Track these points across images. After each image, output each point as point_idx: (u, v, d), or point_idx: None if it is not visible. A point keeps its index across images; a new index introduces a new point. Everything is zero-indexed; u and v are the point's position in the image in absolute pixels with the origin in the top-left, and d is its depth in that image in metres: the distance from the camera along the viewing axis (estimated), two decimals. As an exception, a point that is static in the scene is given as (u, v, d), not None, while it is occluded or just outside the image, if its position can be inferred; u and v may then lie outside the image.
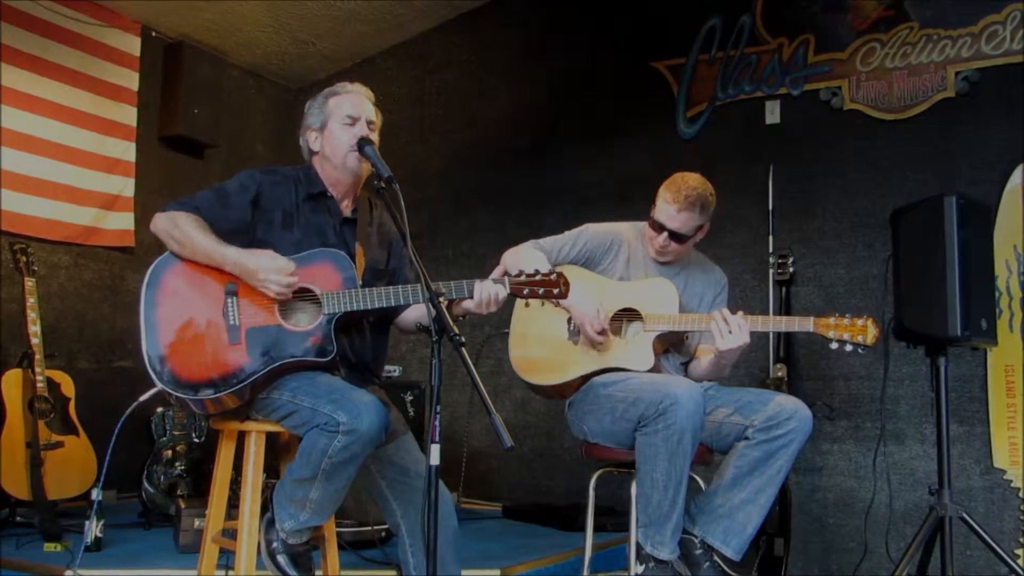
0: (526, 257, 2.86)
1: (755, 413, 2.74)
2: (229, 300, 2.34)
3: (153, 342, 2.30)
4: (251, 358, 2.30)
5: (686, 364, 3.07)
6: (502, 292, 2.37)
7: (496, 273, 2.45)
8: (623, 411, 2.73)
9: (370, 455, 2.30)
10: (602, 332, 2.87)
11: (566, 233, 3.08)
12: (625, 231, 3.10)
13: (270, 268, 2.31)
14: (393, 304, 2.36)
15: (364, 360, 2.55)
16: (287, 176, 2.54)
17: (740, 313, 2.77)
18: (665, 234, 2.93)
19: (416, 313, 2.57)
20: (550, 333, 2.99)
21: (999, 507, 3.90)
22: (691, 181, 2.92)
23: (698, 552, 2.72)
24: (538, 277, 2.40)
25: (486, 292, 2.35)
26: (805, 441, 2.71)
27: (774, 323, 2.90)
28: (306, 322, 2.37)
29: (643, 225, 3.08)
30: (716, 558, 2.73)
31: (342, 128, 2.50)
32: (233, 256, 2.33)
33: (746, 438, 2.74)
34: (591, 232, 3.07)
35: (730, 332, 2.74)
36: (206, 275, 2.36)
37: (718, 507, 2.73)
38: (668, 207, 2.90)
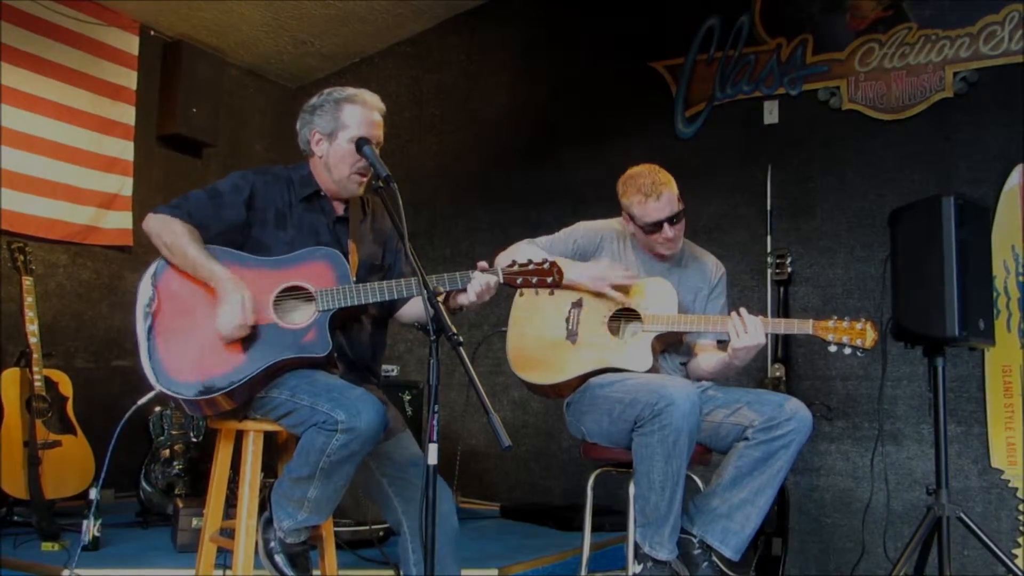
0: (520, 253, 2.87)
1: (755, 414, 2.74)
2: (224, 301, 2.34)
3: (151, 345, 2.30)
4: (247, 358, 2.30)
5: (685, 363, 3.07)
6: (493, 279, 2.37)
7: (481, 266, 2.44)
8: (620, 412, 2.73)
9: (369, 453, 2.30)
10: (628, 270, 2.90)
11: (559, 232, 3.09)
12: (615, 227, 3.10)
13: (233, 312, 2.27)
14: (387, 298, 2.37)
15: (363, 358, 2.56)
16: (279, 176, 2.54)
17: (743, 310, 2.77)
18: (665, 225, 2.91)
19: (417, 309, 2.57)
20: (548, 332, 2.99)
21: (996, 507, 3.90)
22: (640, 170, 2.94)
23: (696, 552, 2.72)
24: (531, 266, 2.40)
25: (480, 283, 2.35)
26: (805, 442, 2.71)
27: (773, 325, 2.90)
28: (301, 319, 2.37)
29: None
30: (714, 558, 2.73)
31: (350, 148, 2.45)
32: (219, 277, 2.30)
33: (746, 438, 2.73)
34: (582, 230, 3.07)
35: (746, 332, 2.74)
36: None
37: (717, 507, 2.73)
38: (648, 203, 2.88)
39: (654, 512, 2.64)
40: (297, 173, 2.56)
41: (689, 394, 2.60)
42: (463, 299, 2.39)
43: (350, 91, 2.52)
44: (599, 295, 2.95)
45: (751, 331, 2.73)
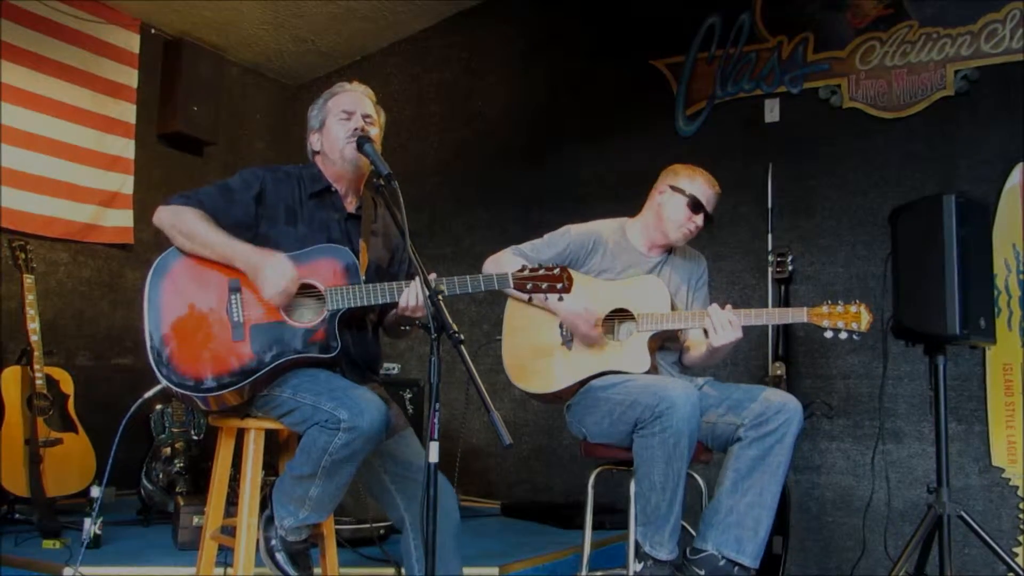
0: (508, 264, 2.85)
1: (745, 411, 2.73)
2: (233, 297, 2.34)
3: (157, 339, 2.30)
4: (255, 355, 2.30)
5: (678, 361, 3.07)
6: (414, 300, 2.34)
7: None
8: (620, 414, 2.72)
9: (372, 450, 2.30)
10: (596, 328, 2.88)
11: (546, 236, 3.07)
12: (604, 229, 3.10)
13: (276, 275, 2.30)
14: (397, 299, 2.37)
15: (365, 357, 2.56)
16: (289, 174, 2.56)
17: (729, 307, 2.77)
18: (702, 215, 2.97)
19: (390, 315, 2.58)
20: (543, 339, 2.98)
21: (997, 505, 3.90)
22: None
23: (722, 563, 2.66)
24: (541, 272, 2.39)
25: (413, 297, 2.34)
26: (798, 433, 2.70)
27: (768, 315, 2.89)
28: (309, 318, 2.37)
29: (623, 220, 3.12)
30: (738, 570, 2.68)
31: (338, 123, 2.53)
32: (244, 252, 2.33)
33: (739, 439, 2.73)
34: (573, 233, 3.06)
35: (722, 328, 2.74)
36: (209, 271, 2.37)
37: (725, 516, 2.68)
38: (709, 190, 2.98)
39: (655, 512, 2.64)
40: (308, 171, 2.59)
41: (690, 396, 2.59)
42: (402, 299, 2.37)
43: (335, 86, 2.63)
44: (593, 295, 2.94)
45: (727, 327, 2.74)
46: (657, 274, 3.04)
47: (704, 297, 3.12)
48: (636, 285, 2.96)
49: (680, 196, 2.98)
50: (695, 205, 2.96)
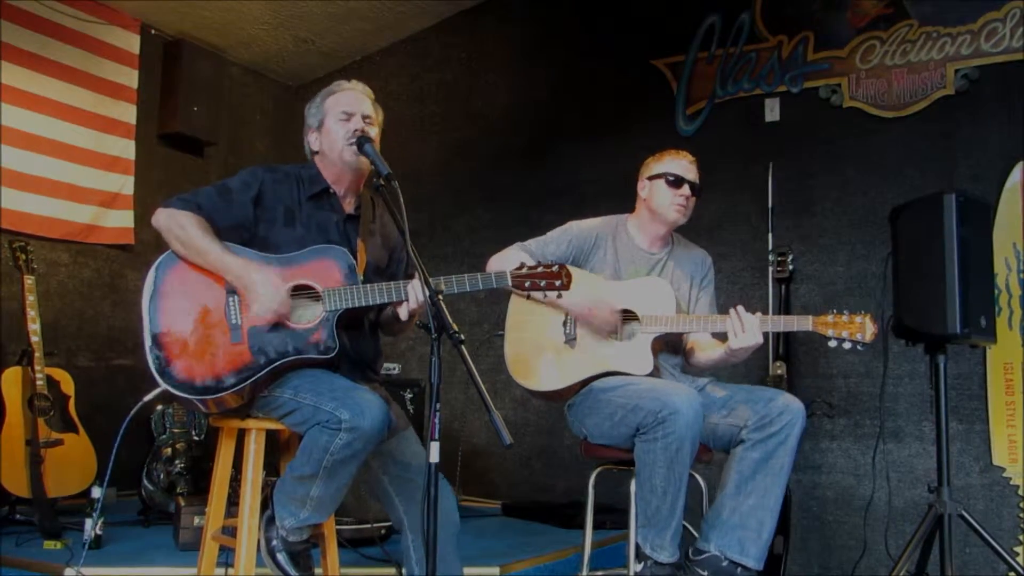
0: (512, 259, 2.83)
1: (747, 413, 2.73)
2: (231, 299, 2.35)
3: (156, 342, 2.30)
4: (254, 357, 2.30)
5: (680, 364, 3.06)
6: (414, 306, 2.35)
7: None
8: (622, 417, 2.71)
9: (372, 451, 2.30)
10: (615, 313, 2.88)
11: (550, 233, 3.07)
12: (604, 226, 3.10)
13: (266, 296, 2.30)
14: (395, 299, 2.37)
15: (364, 357, 2.56)
16: (289, 174, 2.55)
17: (740, 308, 2.76)
18: (686, 186, 2.98)
19: (386, 314, 2.59)
20: (547, 337, 2.97)
21: (998, 505, 3.90)
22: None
23: (725, 564, 2.66)
24: (539, 269, 2.39)
25: (414, 295, 2.34)
26: (801, 434, 2.70)
27: (772, 322, 2.89)
28: (308, 319, 2.37)
29: (624, 217, 3.12)
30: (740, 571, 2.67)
31: (338, 123, 2.52)
32: (235, 266, 2.33)
33: (742, 441, 2.72)
34: (576, 230, 3.06)
35: (744, 331, 2.73)
36: (208, 274, 2.37)
37: (728, 518, 2.68)
38: (679, 161, 3.01)
39: (656, 516, 2.63)
40: (307, 172, 2.58)
41: (692, 402, 2.59)
42: (401, 310, 2.39)
43: (332, 85, 2.61)
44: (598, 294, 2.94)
45: (749, 331, 2.73)
46: (660, 270, 3.04)
47: (709, 299, 3.11)
48: (641, 286, 2.96)
49: (657, 180, 3.01)
50: (674, 180, 2.99)
